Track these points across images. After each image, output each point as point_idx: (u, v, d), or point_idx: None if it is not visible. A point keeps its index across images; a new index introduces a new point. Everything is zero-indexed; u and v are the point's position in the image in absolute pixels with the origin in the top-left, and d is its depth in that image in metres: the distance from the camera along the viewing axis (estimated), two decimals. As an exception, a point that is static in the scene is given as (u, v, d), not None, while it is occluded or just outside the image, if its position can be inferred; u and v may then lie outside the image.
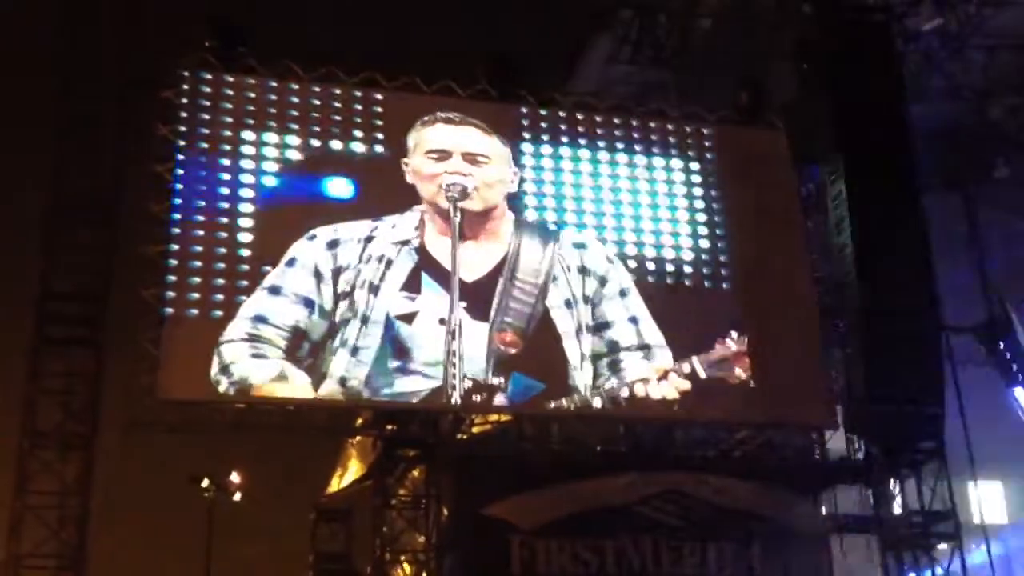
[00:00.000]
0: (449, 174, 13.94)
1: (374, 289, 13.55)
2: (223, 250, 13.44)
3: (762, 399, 14.34)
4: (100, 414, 13.43)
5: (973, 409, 16.02)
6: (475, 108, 14.71)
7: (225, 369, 12.89)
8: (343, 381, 13.17)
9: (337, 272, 13.56)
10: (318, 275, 13.50)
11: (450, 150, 14.20)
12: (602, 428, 14.81)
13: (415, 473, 14.32)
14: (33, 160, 15.26)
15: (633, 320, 14.18)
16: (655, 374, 13.91)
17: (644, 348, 14.08)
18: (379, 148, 14.41)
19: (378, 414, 13.95)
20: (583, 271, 14.32)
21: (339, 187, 14.14)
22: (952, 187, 18.90)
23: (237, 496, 15.55)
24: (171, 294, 13.08)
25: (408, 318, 13.49)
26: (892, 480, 14.86)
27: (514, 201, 14.50)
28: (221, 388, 12.84)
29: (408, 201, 14.11)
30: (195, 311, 13.11)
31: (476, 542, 13.59)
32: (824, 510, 15.24)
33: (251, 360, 12.99)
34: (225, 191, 13.71)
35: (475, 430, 14.97)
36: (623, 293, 14.32)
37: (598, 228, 14.77)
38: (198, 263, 13.31)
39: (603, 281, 14.33)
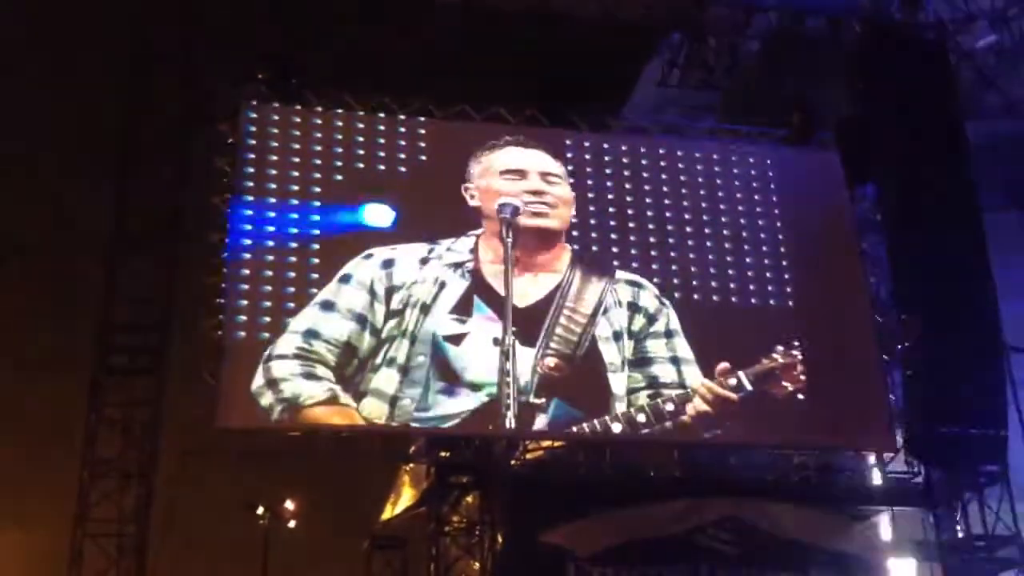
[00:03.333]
0: (528, 192, 14.08)
1: (425, 309, 13.57)
2: (270, 273, 13.56)
3: (819, 422, 14.15)
4: (159, 443, 13.59)
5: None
6: (531, 134, 14.81)
7: (273, 384, 12.91)
8: (394, 401, 13.15)
9: (390, 291, 13.60)
10: (372, 292, 13.57)
11: (527, 169, 14.30)
12: (656, 453, 14.66)
13: (469, 500, 14.28)
14: (94, 191, 15.58)
15: (675, 360, 14.04)
16: (699, 387, 13.78)
17: (683, 388, 13.90)
18: (424, 173, 14.51)
19: (431, 440, 13.92)
20: (633, 307, 14.23)
21: (378, 214, 14.17)
22: (1012, 205, 18.59)
23: (292, 523, 15.66)
24: (221, 317, 13.22)
25: (456, 339, 13.47)
26: (954, 504, 14.59)
27: (570, 232, 14.50)
28: (264, 401, 12.85)
29: (456, 226, 14.17)
30: (242, 333, 13.19)
31: (532, 569, 13.42)
32: (884, 535, 14.97)
33: (302, 380, 13.02)
34: (273, 215, 13.84)
35: (528, 456, 14.92)
36: (669, 334, 14.17)
37: (650, 256, 14.68)
38: (245, 286, 13.43)
39: (652, 319, 14.22)
